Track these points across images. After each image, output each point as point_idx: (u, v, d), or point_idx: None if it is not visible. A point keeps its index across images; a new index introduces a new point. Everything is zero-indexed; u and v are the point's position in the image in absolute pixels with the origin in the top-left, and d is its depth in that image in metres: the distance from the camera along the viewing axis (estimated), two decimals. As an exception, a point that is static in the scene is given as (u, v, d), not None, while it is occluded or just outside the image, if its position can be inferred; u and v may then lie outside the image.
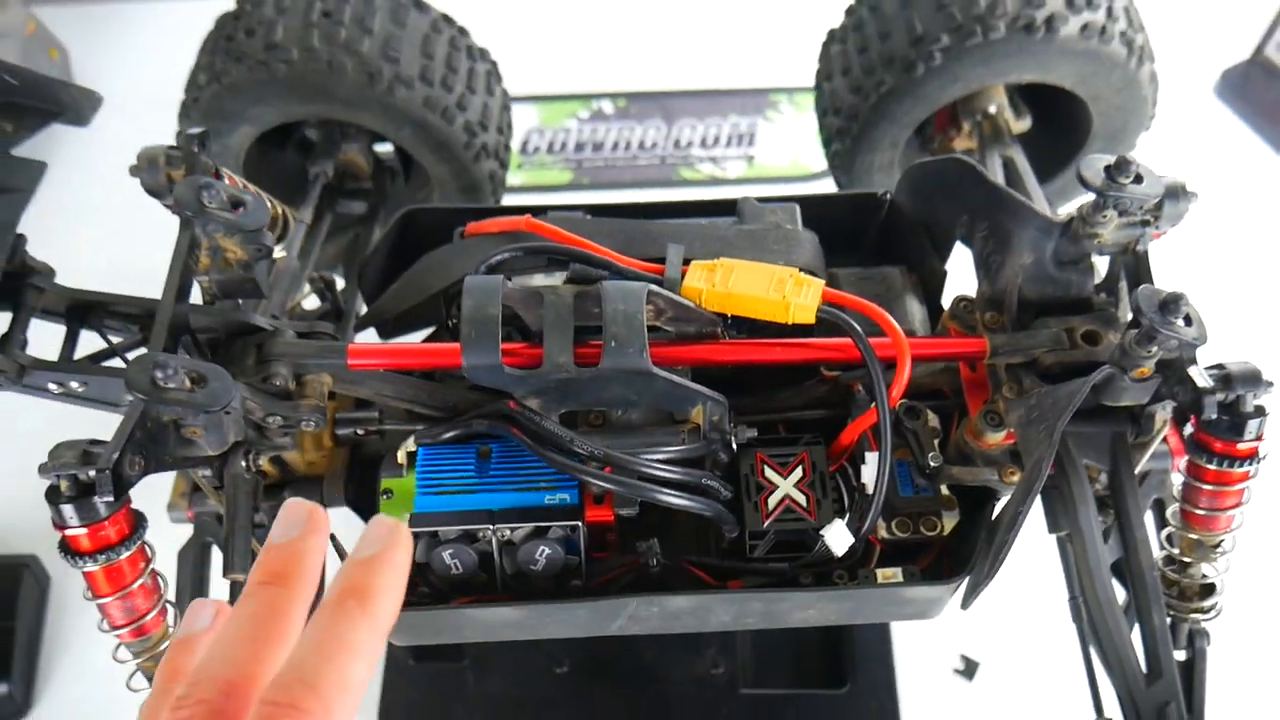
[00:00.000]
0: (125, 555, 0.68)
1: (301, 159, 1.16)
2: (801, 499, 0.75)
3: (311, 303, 1.01)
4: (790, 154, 1.62)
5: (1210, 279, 1.37)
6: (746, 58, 1.71)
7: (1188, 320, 0.65)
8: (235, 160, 1.09)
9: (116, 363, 0.80)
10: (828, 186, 1.28)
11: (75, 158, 1.25)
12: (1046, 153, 1.19)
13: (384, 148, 1.20)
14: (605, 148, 1.61)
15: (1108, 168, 0.71)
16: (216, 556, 0.87)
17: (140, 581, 0.70)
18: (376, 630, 0.37)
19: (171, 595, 0.77)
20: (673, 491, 0.70)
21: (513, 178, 1.55)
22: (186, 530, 0.89)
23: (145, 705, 0.39)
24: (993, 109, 1.12)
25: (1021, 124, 1.14)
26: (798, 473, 0.76)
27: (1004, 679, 1.13)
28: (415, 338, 0.94)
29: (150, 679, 0.74)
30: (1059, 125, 1.17)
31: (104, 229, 1.35)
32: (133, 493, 0.67)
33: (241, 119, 1.05)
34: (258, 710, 0.34)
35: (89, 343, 0.81)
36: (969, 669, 1.13)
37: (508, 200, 1.29)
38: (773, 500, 0.75)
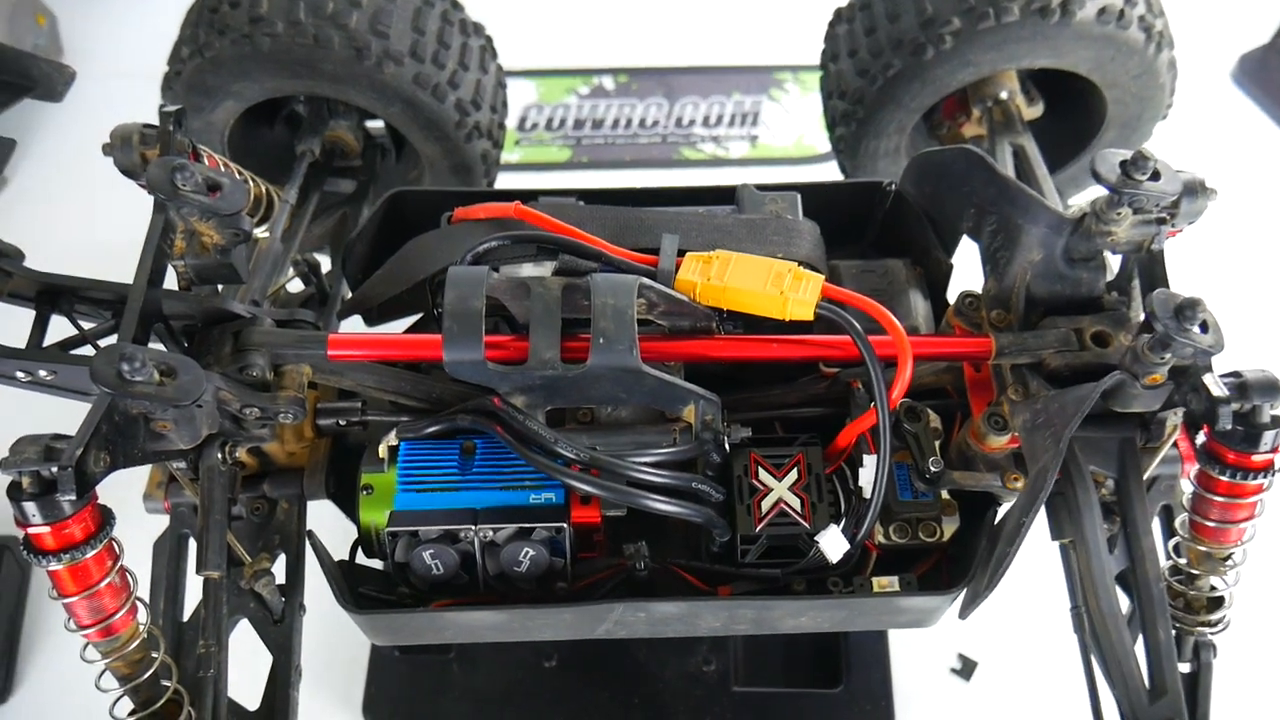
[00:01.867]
0: (91, 554, 0.65)
1: (290, 136, 1.13)
2: (796, 502, 0.72)
3: (296, 286, 0.98)
4: (795, 134, 1.58)
5: (1225, 275, 1.34)
6: (752, 34, 1.66)
7: (1204, 326, 0.62)
8: (220, 136, 1.06)
9: (88, 350, 0.77)
10: (833, 169, 1.25)
11: (49, 134, 1.20)
12: (1059, 140, 1.16)
13: (376, 124, 1.16)
14: (605, 125, 1.58)
15: (1124, 163, 0.68)
16: (194, 549, 0.84)
17: (108, 580, 0.67)
18: None
19: (144, 591, 0.74)
20: (661, 497, 0.67)
21: (510, 155, 1.51)
22: (163, 521, 0.86)
23: None
24: (1004, 95, 1.08)
25: (1033, 110, 1.10)
26: (793, 475, 0.73)
27: (1003, 679, 1.10)
28: (402, 325, 0.92)
29: (120, 679, 0.72)
30: (1072, 112, 1.13)
31: (78, 209, 1.31)
32: (109, 480, 0.65)
33: (225, 94, 1.01)
34: None
35: (59, 328, 0.78)
36: (966, 669, 1.11)
37: (504, 178, 1.26)
38: (766, 503, 0.72)
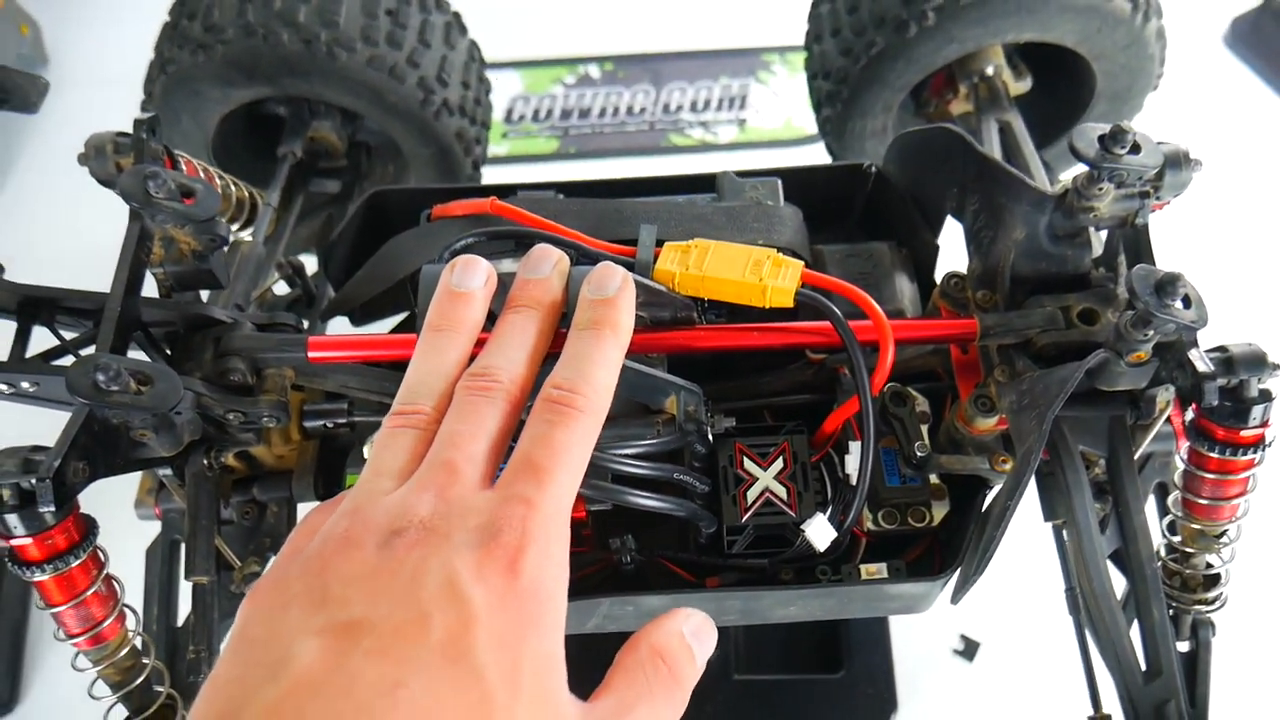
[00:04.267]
0: (76, 563, 0.65)
1: (274, 139, 1.13)
2: (782, 491, 0.72)
3: (283, 289, 0.98)
4: (784, 116, 1.57)
5: (1217, 243, 1.32)
6: (737, 16, 1.65)
7: (1186, 301, 0.61)
8: (204, 146, 1.06)
9: (71, 360, 0.77)
10: (823, 150, 1.24)
11: (26, 146, 1.20)
12: (1048, 115, 1.14)
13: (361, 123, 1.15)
14: (592, 114, 1.57)
15: (1102, 138, 0.67)
16: (185, 554, 0.84)
17: (94, 589, 0.67)
18: (621, 349, 0.50)
19: (137, 598, 0.75)
20: (644, 493, 0.67)
21: (498, 148, 1.50)
22: (155, 528, 0.87)
23: (429, 346, 0.50)
24: (990, 70, 1.06)
25: (1021, 85, 1.09)
26: (778, 464, 0.73)
27: (1006, 660, 1.10)
28: (388, 325, 0.91)
29: (112, 686, 0.72)
30: (1061, 86, 1.12)
31: (57, 220, 1.31)
32: (101, 488, 0.65)
33: (197, 105, 1.01)
34: (544, 394, 0.46)
35: (42, 339, 0.78)
36: (969, 649, 1.10)
37: (493, 172, 1.25)
38: (752, 493, 0.72)
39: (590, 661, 1.07)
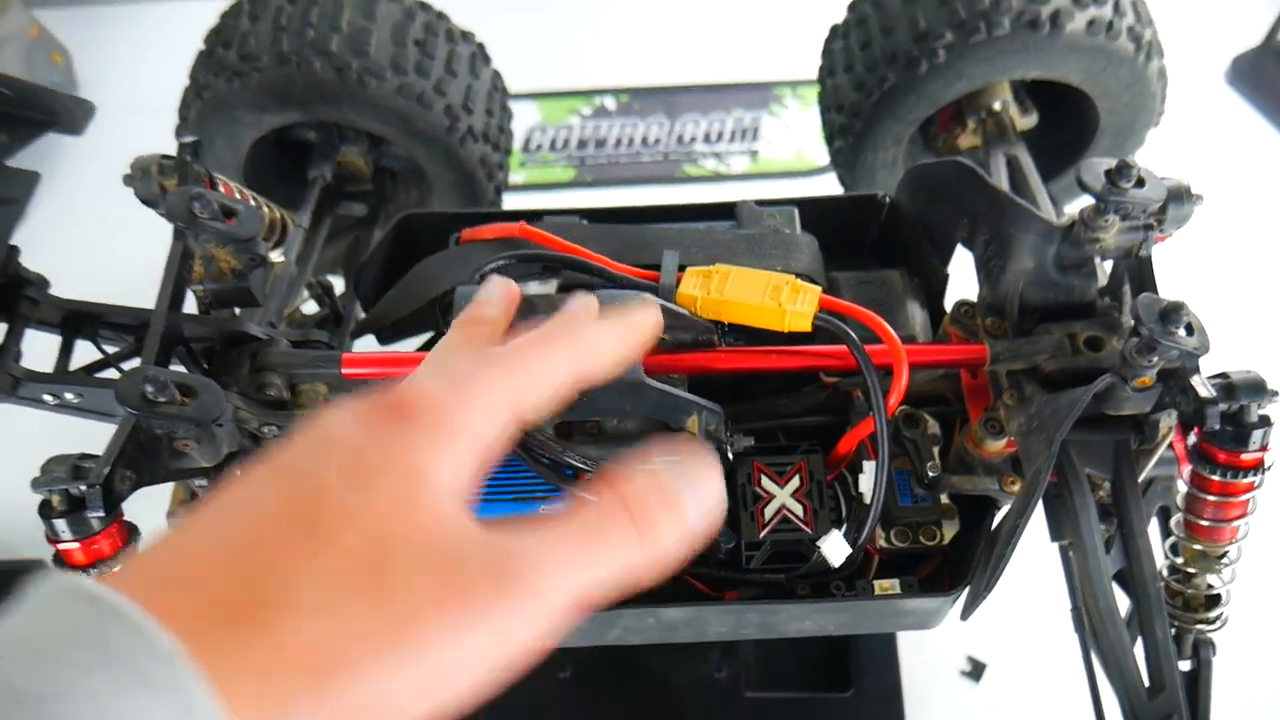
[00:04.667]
0: (119, 567, 0.68)
1: (303, 163, 1.16)
2: (798, 509, 0.74)
3: (311, 308, 1.00)
4: (795, 147, 1.60)
5: (1219, 275, 1.35)
6: (749, 51, 1.69)
7: (1189, 329, 0.64)
8: (237, 167, 1.09)
9: (111, 373, 0.80)
10: (833, 181, 1.27)
11: (70, 166, 1.24)
12: (1053, 149, 1.18)
13: (386, 148, 1.19)
14: (608, 144, 1.60)
15: (1108, 172, 0.70)
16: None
17: (134, 594, 0.69)
18: (574, 361, 0.43)
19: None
20: (666, 505, 0.69)
21: (515, 176, 1.54)
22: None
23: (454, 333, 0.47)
24: (997, 106, 1.10)
25: (1027, 120, 1.13)
26: (795, 482, 0.75)
27: (1012, 681, 1.12)
28: (413, 343, 0.94)
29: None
30: (1066, 121, 1.15)
31: (99, 238, 1.35)
32: (139, 497, 0.67)
33: (231, 130, 1.04)
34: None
35: (83, 353, 0.80)
36: (976, 671, 1.12)
37: (511, 199, 1.28)
38: (769, 510, 0.74)
39: (605, 675, 1.08)
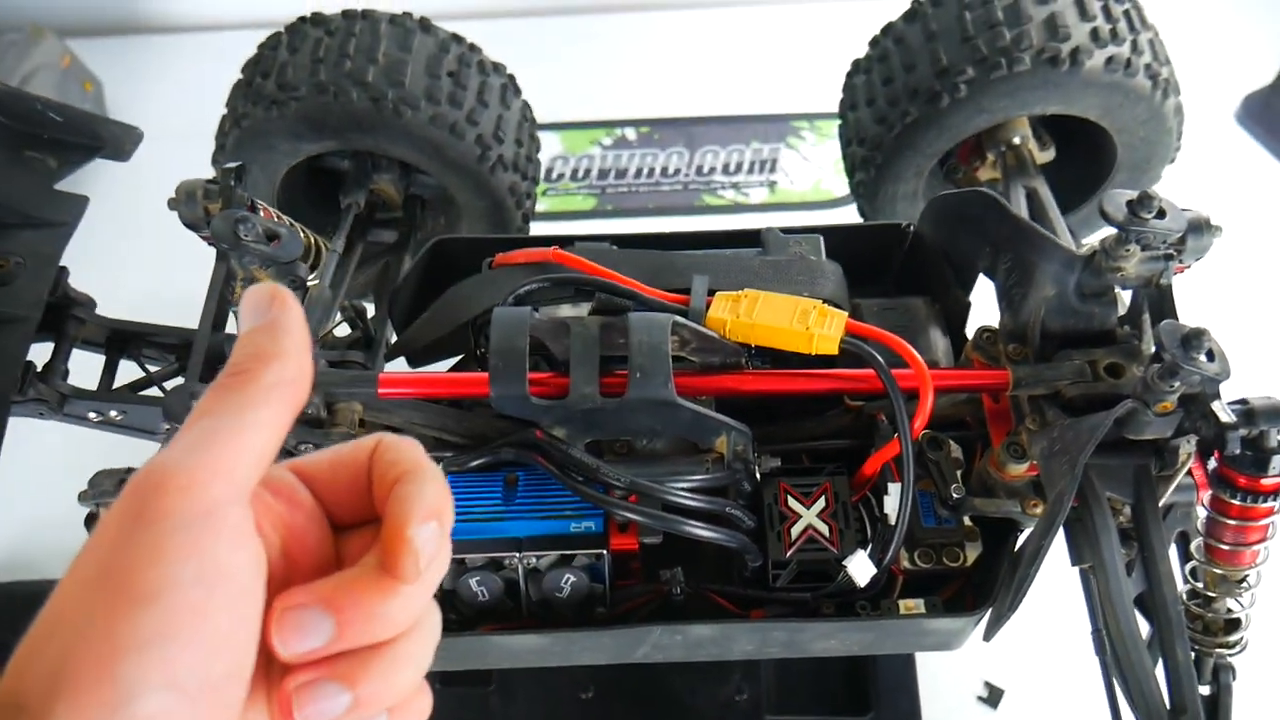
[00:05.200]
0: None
1: (336, 190, 1.19)
2: (824, 529, 0.75)
3: (343, 331, 1.03)
4: (813, 179, 1.63)
5: (1234, 308, 1.37)
6: (768, 84, 1.72)
7: (1210, 355, 0.66)
8: (271, 194, 1.12)
9: (155, 392, 0.82)
10: (850, 212, 1.29)
11: (115, 191, 1.27)
12: (1071, 183, 1.20)
13: (417, 178, 1.21)
14: (628, 174, 1.63)
15: (1130, 203, 0.72)
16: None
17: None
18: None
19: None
20: (697, 523, 0.71)
21: (538, 205, 1.57)
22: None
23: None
24: (1017, 140, 1.12)
25: (1045, 155, 1.15)
26: (821, 503, 0.77)
27: (1029, 708, 1.12)
28: (443, 366, 0.96)
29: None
30: (1083, 156, 1.17)
31: (143, 261, 1.38)
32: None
33: (267, 157, 1.07)
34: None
35: (128, 372, 0.83)
36: (993, 697, 1.13)
37: (533, 226, 1.31)
38: (795, 530, 0.75)
39: (626, 696, 1.09)
